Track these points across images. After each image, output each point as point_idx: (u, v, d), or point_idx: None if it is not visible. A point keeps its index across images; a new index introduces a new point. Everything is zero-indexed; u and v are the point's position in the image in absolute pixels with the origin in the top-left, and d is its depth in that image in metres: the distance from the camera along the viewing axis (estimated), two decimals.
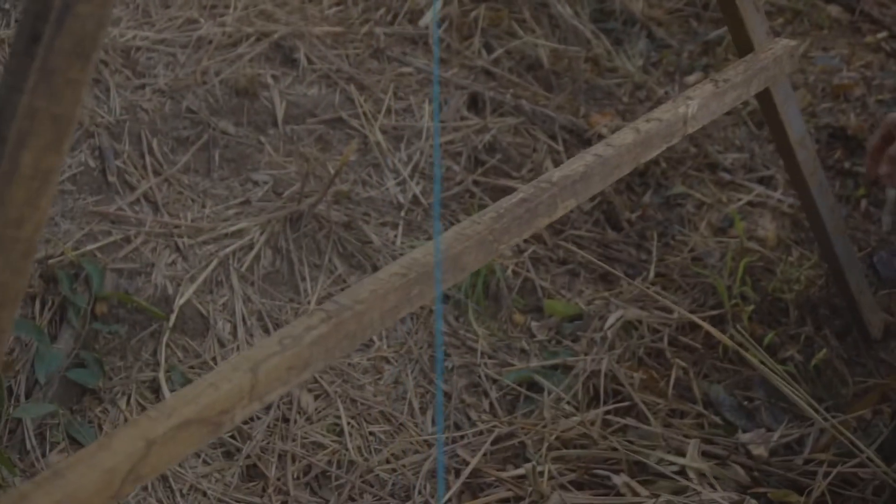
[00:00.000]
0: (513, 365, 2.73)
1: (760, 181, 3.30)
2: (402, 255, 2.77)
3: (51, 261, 2.62)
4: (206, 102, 3.15)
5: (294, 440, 2.51)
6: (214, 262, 2.75)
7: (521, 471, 2.43)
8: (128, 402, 2.50)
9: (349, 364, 2.68)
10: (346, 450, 2.51)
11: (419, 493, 2.43)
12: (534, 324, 2.86)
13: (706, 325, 2.73)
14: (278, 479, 2.44)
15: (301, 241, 2.85)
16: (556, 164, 3.23)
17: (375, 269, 2.85)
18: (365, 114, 3.25)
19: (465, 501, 2.42)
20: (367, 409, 2.60)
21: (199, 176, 2.98)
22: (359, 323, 1.52)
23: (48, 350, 2.47)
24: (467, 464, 2.48)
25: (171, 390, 2.52)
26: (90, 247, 2.69)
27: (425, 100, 3.35)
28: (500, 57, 3.60)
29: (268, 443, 2.49)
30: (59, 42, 1.14)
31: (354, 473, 2.46)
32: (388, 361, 2.72)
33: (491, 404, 2.65)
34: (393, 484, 2.46)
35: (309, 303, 2.77)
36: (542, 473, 2.40)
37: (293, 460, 2.48)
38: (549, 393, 2.64)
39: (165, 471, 2.39)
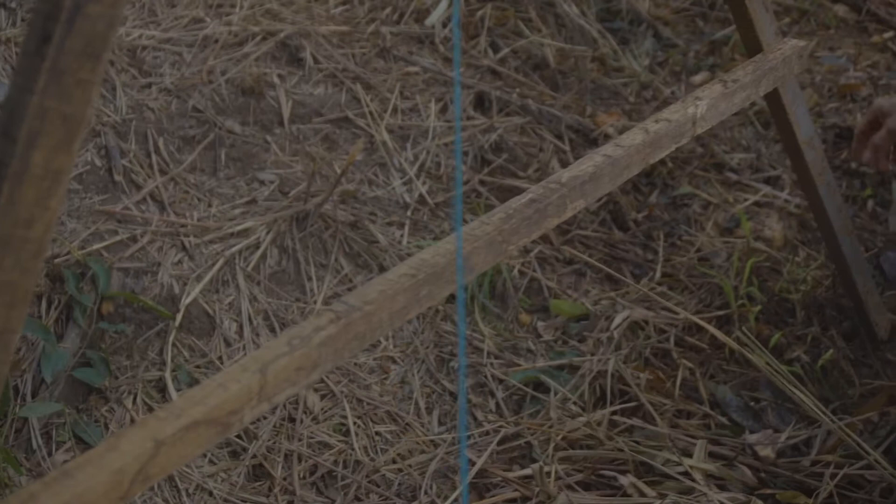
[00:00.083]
0: (519, 365, 2.73)
1: (767, 181, 3.30)
2: (408, 254, 2.78)
3: (57, 260, 2.62)
4: (212, 101, 3.15)
5: (300, 440, 2.50)
6: (220, 262, 2.75)
7: (527, 471, 2.43)
8: (134, 402, 2.50)
9: (355, 364, 2.68)
10: (353, 450, 2.50)
11: (425, 493, 2.43)
12: (540, 324, 2.85)
13: (711, 328, 2.73)
14: (284, 479, 2.44)
15: (307, 240, 2.85)
16: (563, 163, 3.23)
17: (382, 268, 2.85)
18: (371, 113, 3.25)
19: (471, 502, 2.42)
20: (373, 408, 2.60)
21: (205, 175, 2.98)
22: (368, 324, 1.51)
23: (54, 349, 2.47)
24: (473, 464, 2.48)
25: (178, 390, 2.52)
26: (96, 246, 2.69)
27: (431, 99, 3.34)
28: (507, 56, 3.60)
29: (274, 442, 2.49)
30: (69, 42, 1.13)
31: (360, 473, 2.46)
32: (394, 361, 2.72)
33: (497, 404, 2.65)
34: (399, 484, 2.45)
35: (315, 302, 2.77)
36: (548, 474, 2.40)
37: (299, 460, 2.47)
38: (556, 393, 2.64)
39: (174, 470, 2.39)
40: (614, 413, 2.60)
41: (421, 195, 3.07)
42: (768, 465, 2.48)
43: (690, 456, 2.46)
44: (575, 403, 2.62)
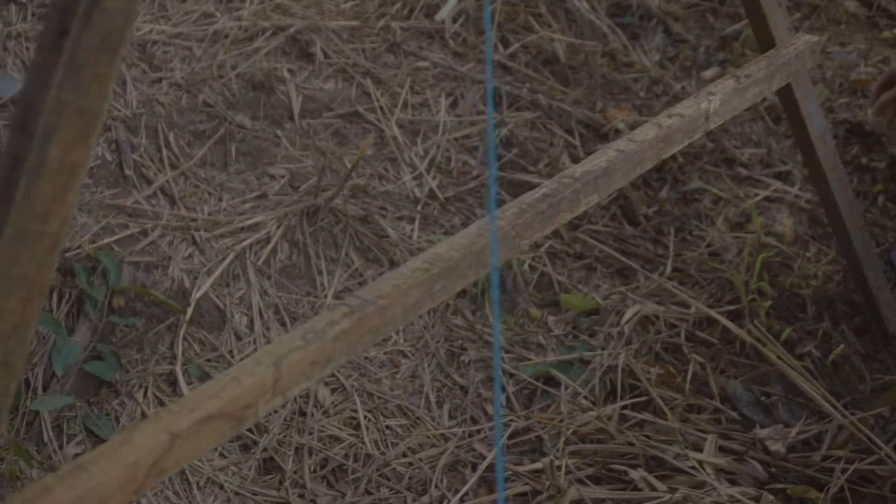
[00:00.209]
0: (529, 359, 2.73)
1: (778, 176, 3.30)
2: (419, 249, 2.78)
3: (68, 254, 2.62)
4: (222, 96, 3.15)
5: (311, 433, 2.51)
6: (231, 256, 2.75)
7: (538, 465, 2.43)
8: (145, 395, 2.50)
9: (366, 358, 2.68)
10: (363, 443, 2.51)
11: (436, 486, 2.43)
12: (550, 318, 2.85)
13: (724, 320, 2.73)
14: (295, 473, 2.44)
15: (318, 234, 2.85)
16: (573, 158, 3.23)
17: (392, 263, 2.85)
18: (381, 108, 3.25)
19: (481, 495, 2.42)
20: (383, 402, 2.60)
21: (215, 169, 2.98)
22: (381, 318, 1.52)
23: (65, 343, 2.47)
24: (484, 458, 2.48)
25: (188, 383, 2.52)
26: (107, 240, 2.69)
27: (442, 94, 3.34)
28: (517, 51, 3.59)
29: (285, 436, 2.50)
30: (86, 37, 1.13)
31: (371, 467, 2.46)
32: (404, 355, 2.72)
33: (508, 398, 2.65)
34: (410, 478, 2.46)
35: (325, 296, 2.77)
36: (559, 468, 2.40)
37: (310, 454, 2.48)
38: (566, 387, 2.64)
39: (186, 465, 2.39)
40: (625, 407, 2.60)
41: (431, 190, 3.07)
42: (779, 460, 2.48)
43: (701, 450, 2.46)
44: (585, 398, 2.62)
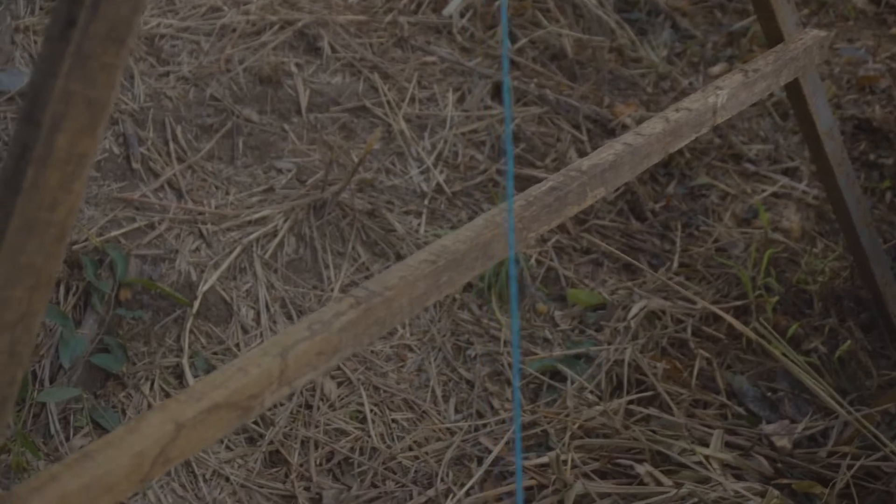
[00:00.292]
0: (536, 354, 2.73)
1: (785, 172, 3.29)
2: (425, 243, 2.78)
3: (75, 246, 2.63)
4: (229, 90, 3.15)
5: (317, 427, 2.51)
6: (238, 249, 2.75)
7: (544, 459, 2.43)
8: (151, 388, 2.50)
9: (372, 351, 2.68)
10: (369, 437, 2.51)
11: (441, 480, 2.43)
12: (557, 313, 2.85)
13: (730, 318, 2.73)
14: (301, 466, 2.44)
15: (324, 228, 2.85)
16: (580, 153, 3.23)
17: (399, 257, 2.85)
18: (389, 102, 3.25)
19: (487, 489, 2.42)
20: (389, 396, 2.61)
21: (222, 163, 2.98)
22: (388, 309, 1.52)
23: (72, 335, 2.48)
24: (490, 451, 2.48)
25: (195, 376, 2.53)
26: (114, 233, 2.70)
27: (449, 89, 3.34)
28: (524, 46, 3.59)
29: (291, 429, 2.50)
30: (94, 27, 1.14)
31: (377, 460, 2.46)
32: (411, 349, 2.72)
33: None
34: (415, 471, 2.46)
35: (332, 290, 2.77)
36: (565, 462, 2.40)
37: (316, 447, 2.48)
38: (572, 382, 2.64)
39: (192, 455, 2.40)
40: (631, 402, 2.60)
41: (438, 184, 3.07)
42: (785, 456, 2.47)
43: (707, 446, 2.46)
44: (591, 392, 2.62)
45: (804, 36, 2.29)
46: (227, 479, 2.40)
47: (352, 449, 2.49)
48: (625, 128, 3.28)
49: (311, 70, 3.29)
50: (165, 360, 2.55)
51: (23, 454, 2.28)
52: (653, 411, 2.57)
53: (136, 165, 2.89)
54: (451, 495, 2.41)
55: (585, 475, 2.40)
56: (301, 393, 2.57)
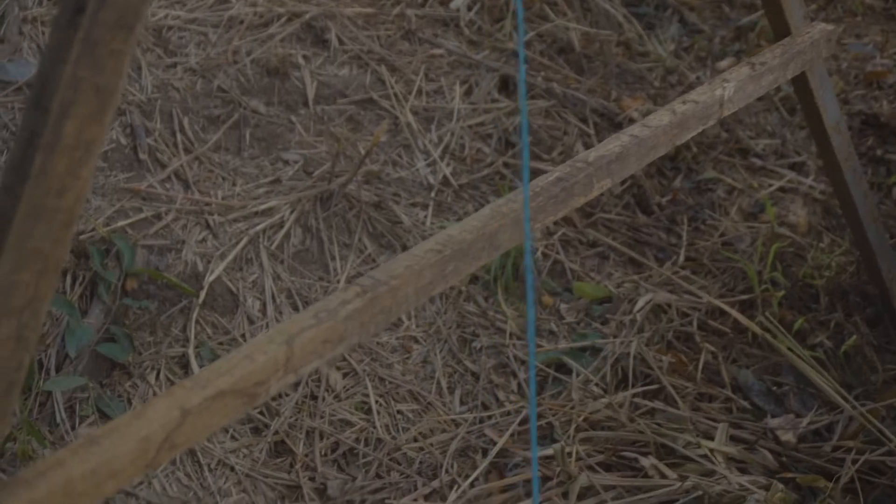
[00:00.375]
0: (541, 346, 2.73)
1: (792, 167, 3.29)
2: (431, 235, 2.78)
3: (82, 236, 2.63)
4: (237, 82, 3.16)
5: (322, 417, 2.51)
6: (244, 240, 2.75)
7: (548, 451, 2.43)
8: (157, 377, 2.51)
9: (378, 343, 2.69)
10: (374, 428, 2.51)
11: (446, 471, 2.44)
12: (563, 306, 2.86)
13: (735, 313, 2.73)
14: (306, 456, 2.45)
15: (331, 220, 2.85)
16: (587, 147, 3.23)
17: (405, 248, 2.85)
18: (396, 95, 3.25)
19: (492, 480, 2.43)
20: (395, 387, 2.61)
21: (229, 154, 2.99)
22: (394, 298, 1.52)
23: (79, 324, 2.48)
24: (495, 443, 2.49)
25: (200, 366, 2.53)
26: (121, 223, 2.70)
27: (456, 81, 3.34)
28: (532, 40, 3.59)
29: (296, 419, 2.50)
30: (102, 13, 1.14)
31: (382, 451, 2.47)
32: (416, 341, 2.73)
33: (519, 385, 2.65)
34: (420, 462, 2.46)
35: (338, 281, 2.78)
36: (569, 454, 2.40)
37: (321, 437, 2.48)
38: (578, 375, 2.65)
39: (197, 443, 2.40)
40: (636, 395, 2.60)
41: (445, 177, 3.08)
42: (789, 450, 2.48)
43: (712, 439, 2.46)
44: (597, 385, 2.63)
45: (811, 29, 2.29)
46: (233, 469, 2.40)
47: (357, 440, 2.50)
48: (632, 122, 3.27)
49: (318, 62, 3.30)
50: (171, 350, 2.56)
51: (29, 442, 2.29)
52: (658, 404, 2.58)
53: (143, 156, 2.89)
54: (455, 486, 2.41)
55: (590, 467, 2.41)
56: (306, 384, 2.57)
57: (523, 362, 2.69)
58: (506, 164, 3.15)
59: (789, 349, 2.63)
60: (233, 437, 2.47)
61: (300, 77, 3.22)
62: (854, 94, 3.50)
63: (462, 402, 2.62)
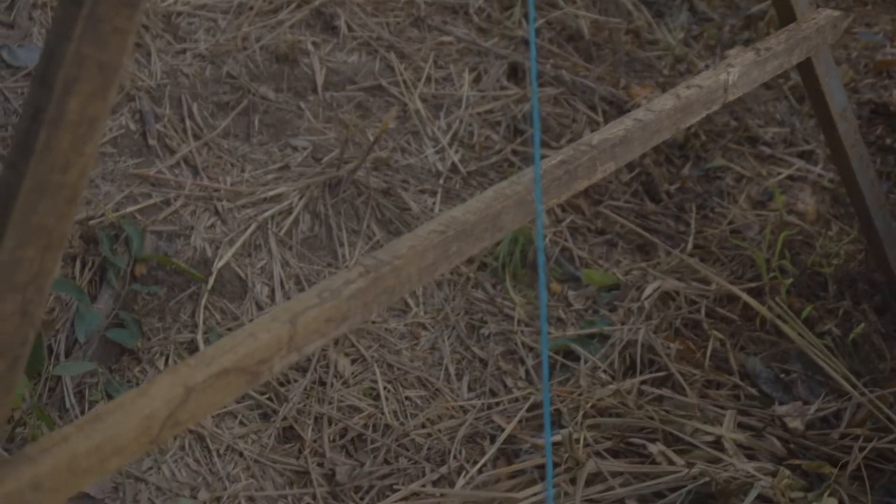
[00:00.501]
0: (550, 333, 2.73)
1: (801, 155, 3.29)
2: None
3: (91, 222, 2.64)
4: (246, 68, 3.16)
5: (330, 403, 2.52)
6: (253, 226, 2.76)
7: (557, 437, 2.43)
8: (166, 363, 2.52)
9: (386, 329, 2.69)
10: (382, 414, 2.52)
11: (454, 457, 2.44)
12: (571, 293, 2.86)
13: (745, 296, 2.73)
14: (314, 442, 2.45)
15: (339, 206, 2.86)
16: None
17: None
18: (405, 81, 3.26)
19: (500, 467, 2.43)
20: (403, 373, 2.62)
21: (238, 140, 2.99)
22: (397, 278, 1.53)
23: (88, 310, 2.49)
24: (503, 430, 2.49)
25: None
26: (130, 209, 2.71)
27: (465, 68, 3.35)
28: (541, 28, 3.59)
29: (304, 405, 2.51)
30: None
31: (390, 437, 2.47)
32: (424, 327, 2.73)
33: (527, 372, 2.66)
34: (428, 448, 2.47)
35: (347, 268, 2.78)
36: (577, 441, 2.41)
37: (329, 423, 2.49)
38: (586, 361, 2.65)
39: (203, 430, 2.41)
40: (644, 382, 2.61)
41: (453, 164, 3.08)
42: (797, 437, 2.48)
43: (719, 426, 2.46)
44: (605, 372, 2.63)
45: (817, 15, 2.29)
46: (241, 455, 2.41)
47: (365, 426, 2.50)
48: None
49: (327, 49, 3.30)
50: (180, 336, 2.57)
51: (39, 427, 2.30)
52: (666, 391, 2.58)
53: (152, 142, 2.90)
54: (463, 472, 2.42)
55: (598, 454, 2.41)
56: (315, 370, 2.58)
57: (531, 349, 2.70)
58: (514, 152, 3.16)
59: (799, 336, 2.63)
60: (241, 423, 2.47)
61: (309, 63, 3.23)
62: (864, 83, 3.50)
63: (470, 389, 2.63)
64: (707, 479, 2.30)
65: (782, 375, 2.66)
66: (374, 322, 2.69)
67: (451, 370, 2.65)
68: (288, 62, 3.20)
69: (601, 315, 2.79)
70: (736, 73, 2.06)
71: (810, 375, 2.65)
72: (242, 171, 2.91)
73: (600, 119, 3.30)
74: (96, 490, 2.26)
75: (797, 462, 2.41)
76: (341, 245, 2.82)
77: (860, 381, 2.59)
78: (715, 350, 2.70)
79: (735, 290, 2.77)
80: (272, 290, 2.70)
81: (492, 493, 2.34)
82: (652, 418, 2.46)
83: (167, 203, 2.77)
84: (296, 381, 2.55)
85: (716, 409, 2.52)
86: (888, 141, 3.30)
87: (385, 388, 2.58)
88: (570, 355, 2.69)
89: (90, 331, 2.48)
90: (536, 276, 2.88)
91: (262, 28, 3.29)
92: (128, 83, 3.01)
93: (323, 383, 2.57)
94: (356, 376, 2.60)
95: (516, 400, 2.58)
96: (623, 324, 2.74)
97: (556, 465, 2.40)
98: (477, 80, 3.33)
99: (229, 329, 2.60)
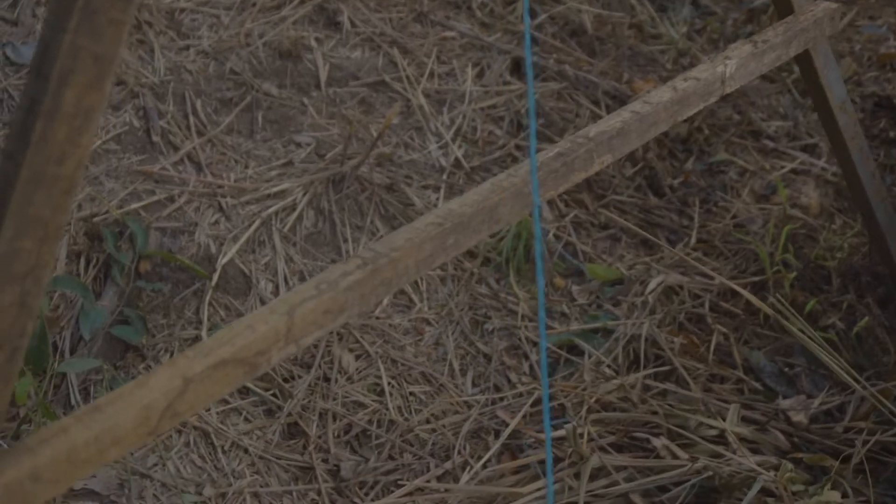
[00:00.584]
0: (553, 328, 2.74)
1: (804, 149, 3.29)
2: None
3: (95, 219, 2.65)
4: (249, 64, 3.17)
5: (335, 399, 2.52)
6: (257, 222, 2.77)
7: (561, 432, 2.44)
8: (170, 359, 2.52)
9: (390, 325, 2.70)
10: (387, 409, 2.52)
11: (458, 453, 2.44)
12: (574, 287, 2.86)
13: (747, 294, 2.72)
14: (319, 437, 2.46)
15: (343, 202, 2.86)
16: None
17: None
18: (408, 77, 3.26)
19: (504, 462, 2.43)
20: (407, 369, 2.62)
21: (242, 137, 3.00)
22: (394, 270, 1.53)
23: (93, 307, 2.50)
24: (507, 425, 2.49)
25: None
26: (134, 205, 2.72)
27: (468, 64, 3.35)
28: (544, 22, 3.59)
29: (309, 401, 2.51)
30: None
31: (394, 433, 2.48)
32: (428, 323, 2.73)
33: (531, 367, 2.66)
34: (433, 444, 2.47)
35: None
36: (581, 435, 2.41)
37: (334, 419, 2.49)
38: (590, 356, 2.65)
39: (207, 426, 2.42)
40: (648, 377, 2.61)
41: (457, 159, 3.08)
42: (801, 431, 2.47)
43: (723, 420, 2.46)
44: (609, 367, 2.63)
45: (815, 7, 2.28)
46: (246, 451, 2.42)
47: (369, 421, 2.50)
48: None
49: (330, 44, 3.30)
50: (184, 333, 2.57)
51: (44, 424, 2.31)
52: (669, 386, 2.58)
53: (155, 139, 2.91)
54: (468, 468, 2.42)
55: (602, 448, 2.41)
56: (319, 366, 2.58)
57: (535, 344, 2.70)
58: (517, 147, 3.16)
59: (801, 330, 2.62)
60: (246, 419, 2.48)
61: (312, 59, 3.23)
62: (867, 76, 3.50)
63: (474, 384, 2.63)
64: (711, 473, 2.30)
65: (786, 369, 2.66)
66: (377, 318, 2.70)
67: (455, 365, 2.65)
68: (291, 58, 3.21)
69: (605, 310, 2.80)
70: (733, 65, 2.06)
71: (814, 369, 2.65)
72: (246, 167, 2.91)
73: (603, 114, 3.30)
74: (101, 486, 2.27)
75: (800, 456, 2.41)
76: (345, 241, 2.82)
77: (864, 375, 2.59)
78: (719, 344, 2.70)
79: (736, 287, 2.77)
80: (276, 287, 2.70)
81: (496, 489, 2.34)
82: (656, 413, 2.46)
83: (171, 200, 2.78)
84: (300, 377, 2.55)
85: (719, 403, 2.52)
86: (891, 134, 3.29)
87: (389, 383, 2.58)
88: (574, 350, 2.69)
89: (95, 328, 2.49)
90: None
91: (266, 24, 3.30)
92: (131, 80, 3.02)
93: (327, 379, 2.57)
94: (360, 372, 2.60)
95: (520, 395, 2.58)
96: (627, 318, 2.74)
97: (559, 459, 2.40)
98: (480, 75, 3.33)
99: None
